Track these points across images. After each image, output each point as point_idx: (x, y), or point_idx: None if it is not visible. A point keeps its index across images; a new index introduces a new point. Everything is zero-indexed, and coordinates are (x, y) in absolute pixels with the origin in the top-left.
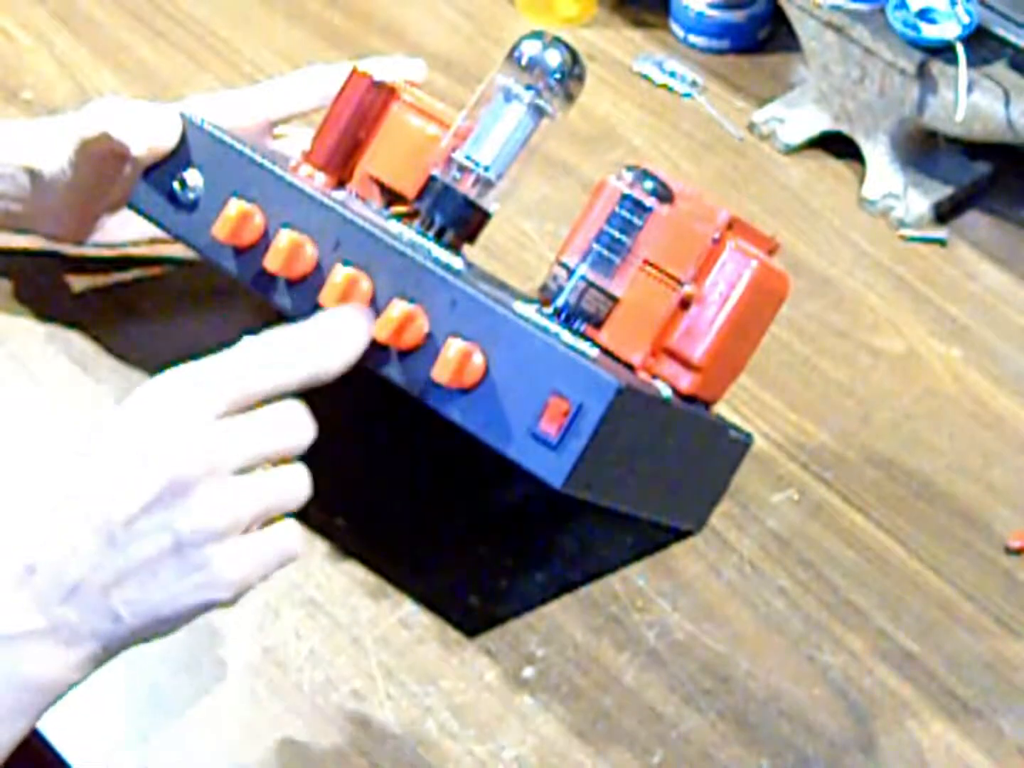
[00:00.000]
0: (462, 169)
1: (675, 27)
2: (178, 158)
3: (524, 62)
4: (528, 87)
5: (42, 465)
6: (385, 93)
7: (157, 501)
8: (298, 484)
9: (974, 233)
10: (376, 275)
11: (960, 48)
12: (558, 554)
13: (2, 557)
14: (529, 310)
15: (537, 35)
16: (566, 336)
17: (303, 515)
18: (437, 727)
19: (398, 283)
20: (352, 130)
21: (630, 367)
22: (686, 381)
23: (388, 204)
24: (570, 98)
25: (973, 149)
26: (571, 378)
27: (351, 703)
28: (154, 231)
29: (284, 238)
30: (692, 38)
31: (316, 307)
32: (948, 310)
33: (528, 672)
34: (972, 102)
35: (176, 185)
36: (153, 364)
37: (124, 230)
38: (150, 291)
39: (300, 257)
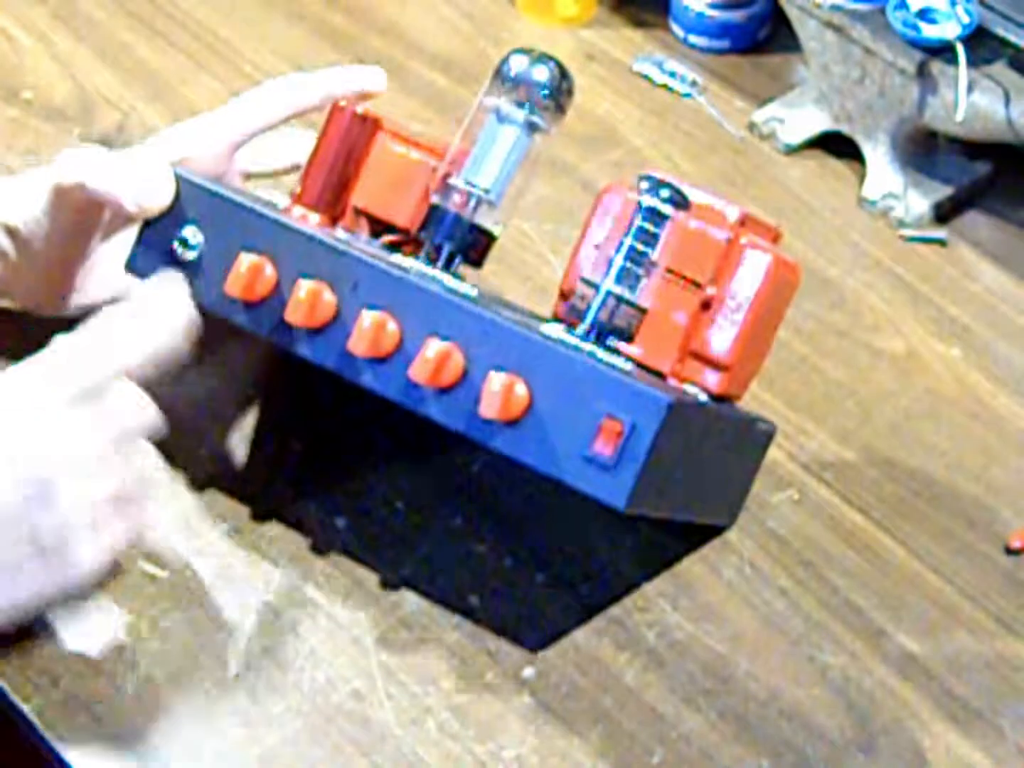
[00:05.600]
0: (463, 195)
1: (675, 27)
2: (175, 217)
3: (513, 79)
4: (518, 104)
5: None
6: (369, 124)
7: (20, 504)
8: (142, 413)
9: (974, 233)
10: (402, 315)
11: (960, 48)
12: (558, 554)
13: None
14: (559, 331)
15: (523, 51)
16: (602, 355)
17: (304, 515)
18: (437, 727)
19: (427, 321)
20: (340, 165)
21: (660, 375)
22: (716, 381)
23: (375, 235)
24: (561, 111)
25: (973, 149)
26: (621, 398)
27: (351, 703)
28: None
29: (303, 289)
30: (692, 38)
31: (344, 355)
32: (948, 310)
33: (528, 672)
34: (972, 102)
35: (177, 245)
36: None
37: (103, 288)
38: None
39: (320, 305)
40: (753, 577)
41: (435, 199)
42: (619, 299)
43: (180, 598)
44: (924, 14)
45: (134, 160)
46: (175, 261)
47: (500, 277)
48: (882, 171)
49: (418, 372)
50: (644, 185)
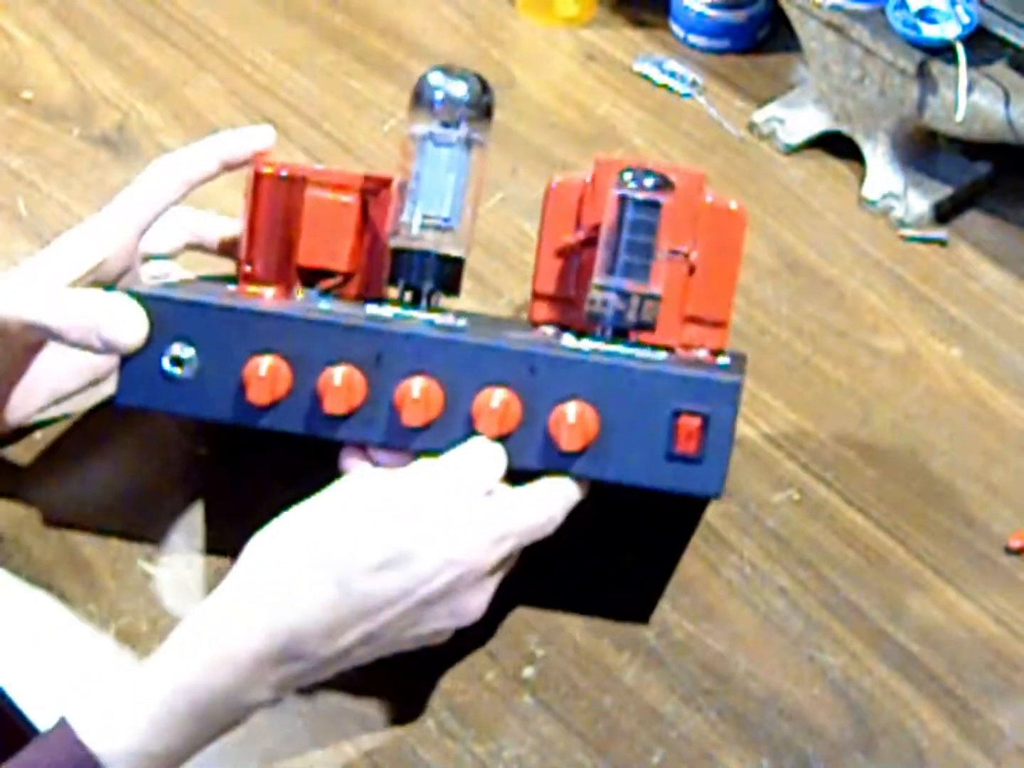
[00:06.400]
0: (423, 228)
1: (675, 27)
2: (155, 338)
3: (435, 101)
4: (446, 124)
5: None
6: (297, 184)
7: (439, 595)
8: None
9: (974, 233)
10: (439, 374)
11: (960, 48)
12: (558, 554)
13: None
14: (593, 343)
15: (438, 70)
16: (640, 353)
17: None
18: (437, 727)
19: (472, 374)
20: (279, 232)
21: (671, 351)
22: (716, 339)
23: (307, 285)
24: (489, 118)
25: (973, 149)
26: (692, 393)
27: (350, 703)
28: (59, 393)
29: (338, 376)
30: (692, 38)
31: (393, 429)
32: (948, 310)
33: (528, 672)
34: (972, 102)
35: (168, 364)
36: (74, 520)
37: (31, 399)
38: (47, 454)
39: (355, 387)
40: (753, 577)
41: (395, 242)
42: (641, 296)
43: (180, 598)
44: (924, 14)
45: (90, 295)
46: (170, 382)
47: (500, 276)
48: (882, 171)
49: (487, 426)
50: (628, 177)
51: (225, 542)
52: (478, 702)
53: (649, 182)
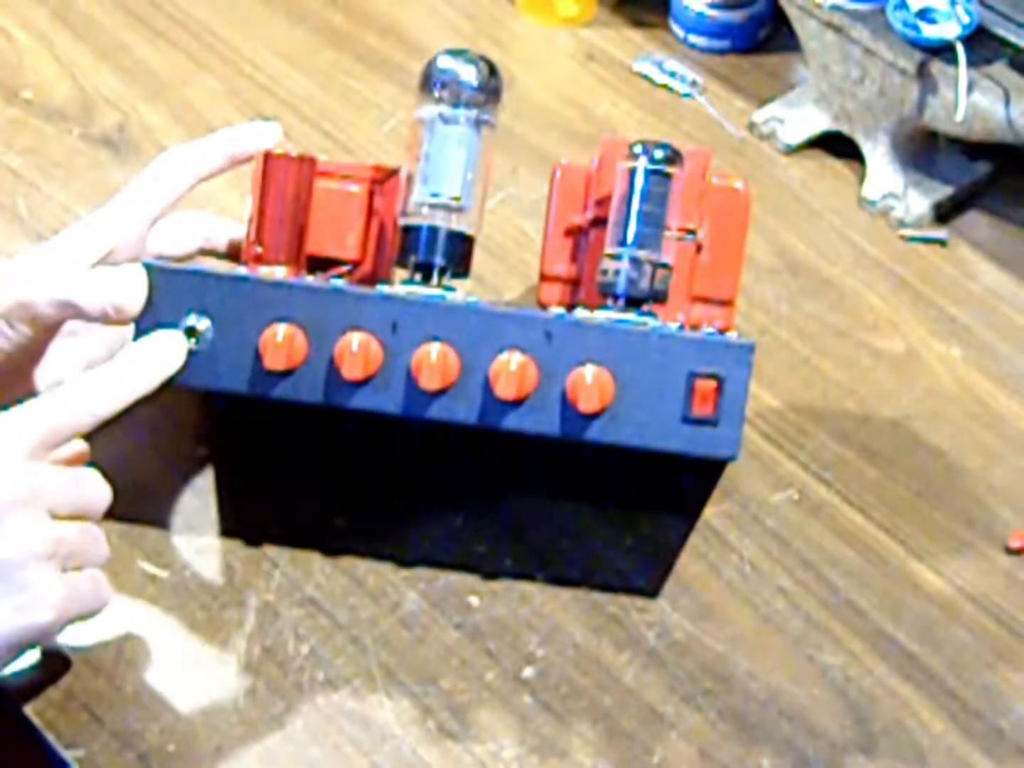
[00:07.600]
0: (433, 208)
1: (675, 27)
2: (168, 310)
3: (444, 84)
4: (456, 105)
5: None
6: (307, 165)
7: None
8: (100, 491)
9: (974, 233)
10: (455, 340)
11: (960, 48)
12: (558, 554)
13: None
14: (604, 314)
15: (447, 53)
16: (653, 322)
17: (302, 513)
18: (437, 727)
19: (488, 339)
20: (292, 212)
21: (680, 327)
22: (724, 318)
23: (311, 272)
24: (498, 100)
25: (973, 149)
26: (707, 357)
27: (351, 703)
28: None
29: (355, 342)
30: (692, 38)
31: (411, 396)
32: (948, 310)
33: (528, 672)
34: (972, 102)
35: (184, 338)
36: None
37: (41, 383)
38: None
39: (372, 354)
40: (753, 577)
41: (405, 221)
42: (652, 264)
43: (180, 598)
44: (924, 14)
45: (106, 269)
46: (188, 354)
47: (500, 277)
48: (882, 171)
49: (505, 389)
50: (638, 150)
51: (226, 542)
52: (478, 702)
53: (660, 153)
